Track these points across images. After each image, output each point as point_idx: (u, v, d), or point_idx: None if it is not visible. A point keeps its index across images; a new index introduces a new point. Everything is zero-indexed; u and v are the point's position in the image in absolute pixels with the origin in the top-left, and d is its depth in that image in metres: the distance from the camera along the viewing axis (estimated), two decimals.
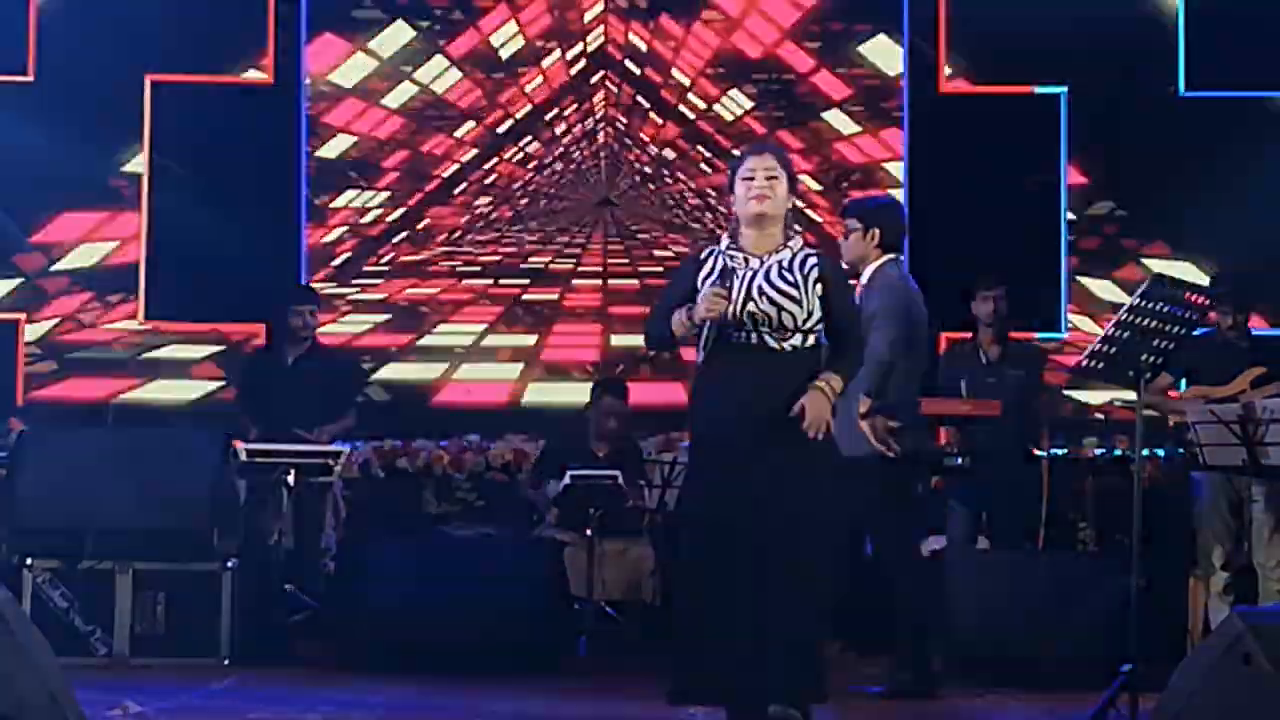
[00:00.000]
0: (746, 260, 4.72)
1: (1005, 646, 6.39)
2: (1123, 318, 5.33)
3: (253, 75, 9.39)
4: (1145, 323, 5.26)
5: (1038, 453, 7.43)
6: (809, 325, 4.71)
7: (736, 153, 5.03)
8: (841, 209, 6.28)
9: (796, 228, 4.84)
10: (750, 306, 4.67)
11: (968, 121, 9.18)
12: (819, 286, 4.72)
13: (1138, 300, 5.30)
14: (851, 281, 5.52)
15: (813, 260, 4.76)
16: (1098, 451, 8.22)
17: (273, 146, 9.28)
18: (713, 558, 4.64)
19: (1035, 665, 6.33)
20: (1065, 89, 9.28)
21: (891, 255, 6.07)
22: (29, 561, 6.58)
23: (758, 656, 4.58)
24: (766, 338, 4.68)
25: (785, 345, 4.69)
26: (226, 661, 6.50)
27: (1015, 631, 6.39)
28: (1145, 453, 5.93)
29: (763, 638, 4.58)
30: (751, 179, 4.73)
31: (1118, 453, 8.03)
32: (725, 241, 4.81)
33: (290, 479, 7.15)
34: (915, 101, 9.33)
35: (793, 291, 4.68)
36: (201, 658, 6.49)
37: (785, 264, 4.73)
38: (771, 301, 4.67)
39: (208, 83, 9.38)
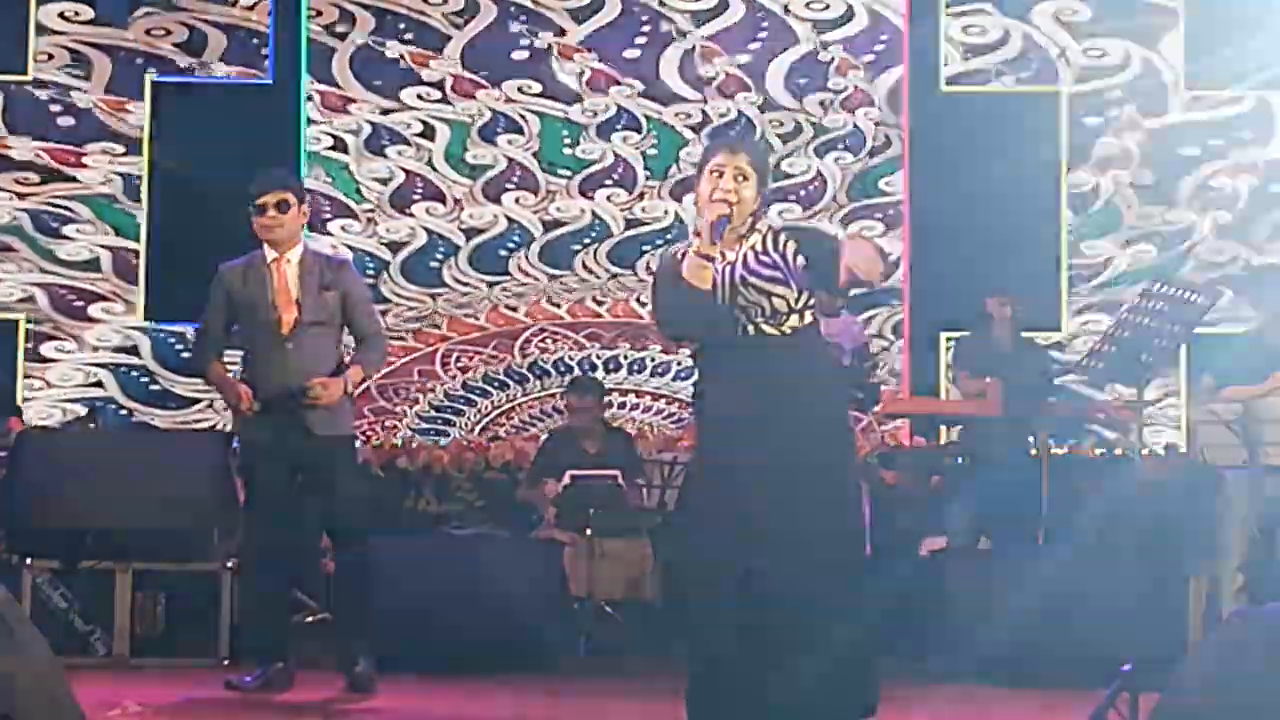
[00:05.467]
0: (723, 254, 4.42)
1: (1005, 646, 6.38)
2: (1124, 317, 5.33)
3: (253, 75, 9.40)
4: (1146, 322, 5.26)
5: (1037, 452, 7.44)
6: (802, 304, 4.46)
7: (708, 141, 4.67)
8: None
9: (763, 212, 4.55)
10: (739, 299, 4.43)
11: (968, 121, 9.19)
12: (796, 257, 4.43)
13: (1139, 299, 5.29)
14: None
15: (784, 236, 4.49)
16: (1098, 451, 8.22)
17: (273, 146, 9.28)
18: (735, 572, 4.36)
19: (1035, 664, 6.33)
20: (1064, 88, 9.30)
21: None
22: (29, 561, 6.58)
23: (804, 675, 4.31)
24: (764, 326, 4.43)
25: (784, 329, 4.44)
26: (226, 661, 6.50)
27: (1015, 631, 6.39)
28: (1145, 452, 5.92)
29: (809, 654, 4.31)
30: (719, 175, 4.45)
31: (1118, 452, 8.03)
32: (695, 242, 4.44)
33: None
34: (915, 101, 9.33)
35: (776, 273, 4.43)
36: (201, 658, 6.49)
37: (759, 248, 4.47)
38: (759, 289, 4.42)
39: (208, 83, 9.40)
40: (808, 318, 4.49)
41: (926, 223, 9.23)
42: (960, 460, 7.20)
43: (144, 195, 9.32)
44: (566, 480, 7.41)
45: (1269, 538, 6.59)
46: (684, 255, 4.47)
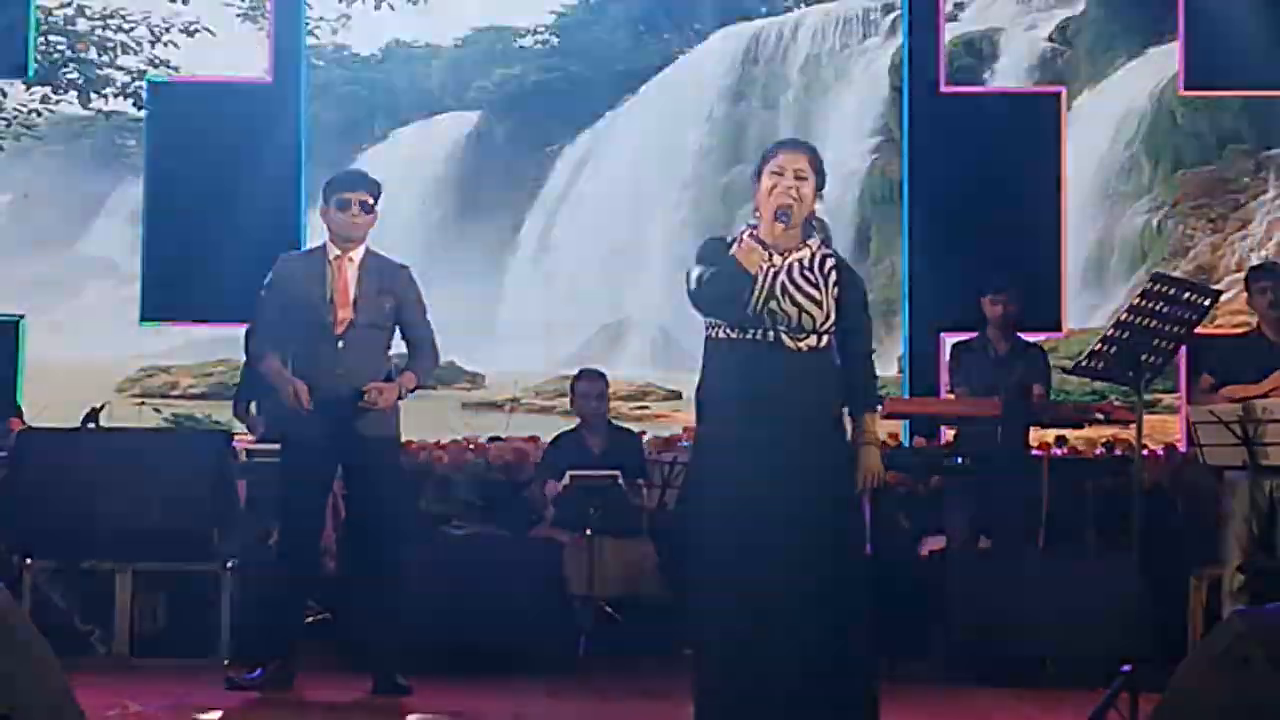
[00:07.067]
0: (770, 255, 4.59)
1: (1005, 646, 6.38)
2: (1123, 318, 5.33)
3: (253, 75, 9.40)
4: (1145, 323, 5.26)
5: (1037, 452, 7.43)
6: (825, 327, 4.63)
7: (769, 144, 4.83)
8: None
9: (814, 224, 4.73)
10: (772, 304, 4.58)
11: (968, 121, 9.18)
12: (836, 289, 4.64)
13: (1138, 300, 5.30)
14: None
15: (831, 261, 4.68)
16: (1098, 451, 8.21)
17: (273, 146, 9.27)
18: (736, 578, 4.45)
19: (1035, 665, 6.33)
20: (1064, 89, 9.30)
21: None
22: (29, 561, 6.58)
23: (803, 686, 4.39)
24: (784, 336, 4.58)
25: (801, 345, 4.60)
26: (226, 662, 6.50)
27: (1015, 631, 6.39)
28: (1145, 452, 5.92)
29: (810, 665, 4.40)
30: (780, 175, 4.63)
31: (1118, 452, 8.02)
32: (747, 231, 4.67)
33: None
34: (915, 101, 9.33)
35: (814, 293, 4.61)
36: (201, 658, 6.49)
37: (805, 263, 4.64)
38: (793, 301, 4.59)
39: (208, 83, 9.40)
40: (824, 341, 4.65)
41: (927, 223, 9.22)
42: (960, 460, 7.19)
43: (142, 196, 9.30)
44: (566, 480, 7.41)
45: (1269, 538, 6.59)
46: (734, 240, 4.66)
